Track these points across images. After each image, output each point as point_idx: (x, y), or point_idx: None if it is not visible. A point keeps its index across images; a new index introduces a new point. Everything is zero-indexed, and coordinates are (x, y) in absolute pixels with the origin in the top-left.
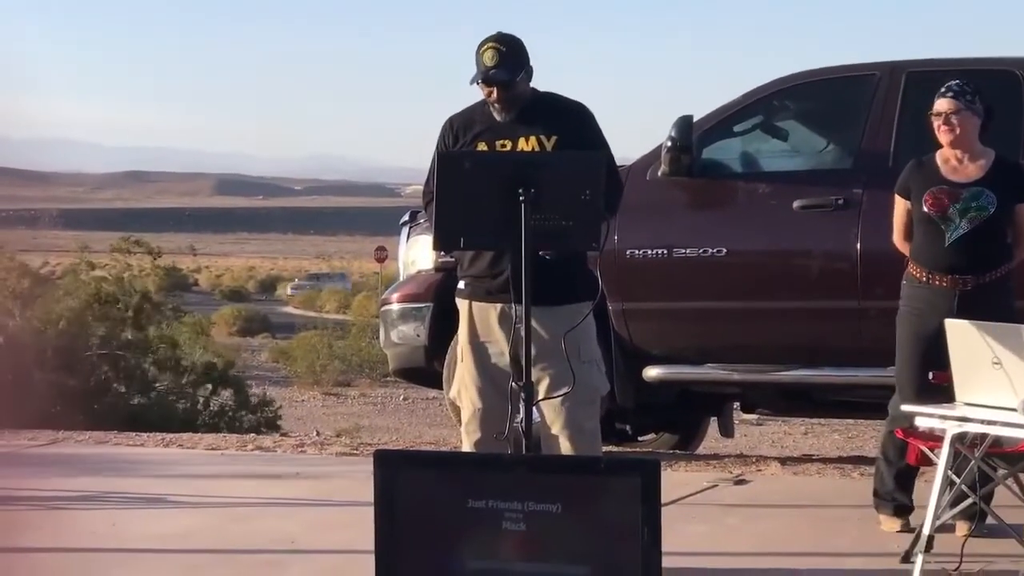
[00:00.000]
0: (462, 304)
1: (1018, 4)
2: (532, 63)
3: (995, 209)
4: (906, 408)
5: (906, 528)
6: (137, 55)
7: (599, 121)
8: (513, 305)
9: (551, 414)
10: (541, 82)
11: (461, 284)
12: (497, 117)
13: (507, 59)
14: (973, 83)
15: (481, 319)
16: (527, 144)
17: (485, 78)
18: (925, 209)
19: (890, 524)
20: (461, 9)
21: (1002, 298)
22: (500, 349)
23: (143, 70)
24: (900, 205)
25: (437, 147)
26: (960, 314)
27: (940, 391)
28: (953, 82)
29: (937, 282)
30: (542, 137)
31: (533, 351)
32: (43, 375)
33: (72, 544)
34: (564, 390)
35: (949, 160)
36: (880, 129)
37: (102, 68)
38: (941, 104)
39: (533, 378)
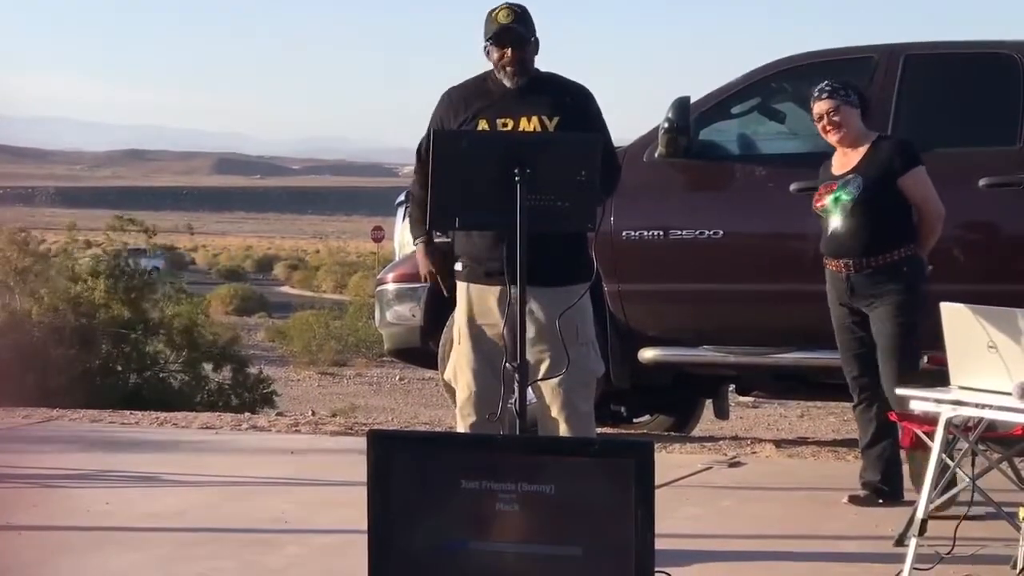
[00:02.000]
0: (460, 286)
1: None
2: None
3: (860, 193)
4: (900, 391)
5: (858, 502)
6: (137, 34)
7: (600, 103)
8: (508, 286)
9: (548, 396)
10: (541, 63)
11: (458, 266)
12: (507, 83)
13: (522, 19)
14: (841, 76)
15: (479, 301)
16: (528, 124)
17: (500, 33)
18: (816, 206)
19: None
20: None
21: (896, 279)
22: (498, 331)
23: (143, 49)
24: None
25: (433, 118)
26: (853, 297)
27: (866, 370)
28: (823, 83)
29: (828, 266)
30: (544, 118)
31: (531, 333)
32: (43, 353)
33: (66, 522)
34: (560, 372)
35: (839, 156)
36: (878, 112)
37: (102, 47)
38: (820, 107)
39: (531, 360)
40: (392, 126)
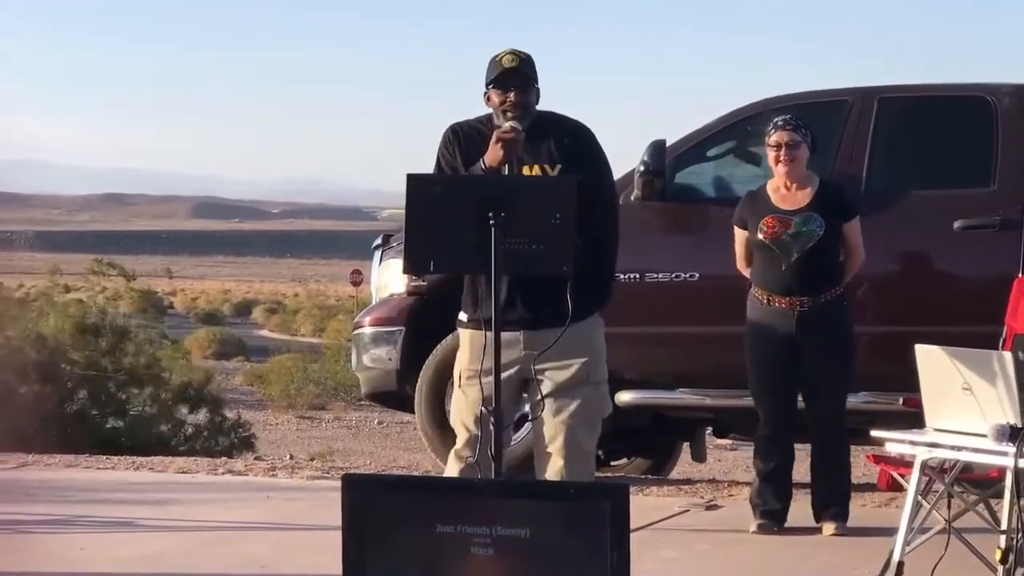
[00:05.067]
0: (464, 332)
1: (990, 31)
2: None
3: (824, 232)
4: (876, 433)
5: (768, 531)
6: (116, 77)
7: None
8: (490, 330)
9: (551, 431)
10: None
11: (463, 316)
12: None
13: (527, 64)
14: (802, 116)
15: (481, 346)
16: (531, 172)
17: (503, 76)
18: (761, 237)
19: (751, 526)
20: (438, 34)
21: (838, 315)
22: (506, 377)
23: (122, 93)
24: (738, 234)
25: (439, 155)
26: (800, 333)
27: (791, 405)
28: (787, 116)
29: (777, 303)
30: (546, 167)
31: (546, 372)
32: (18, 397)
33: (40, 568)
34: (571, 408)
35: (779, 189)
36: (852, 154)
37: (82, 90)
38: (781, 136)
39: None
40: (371, 170)
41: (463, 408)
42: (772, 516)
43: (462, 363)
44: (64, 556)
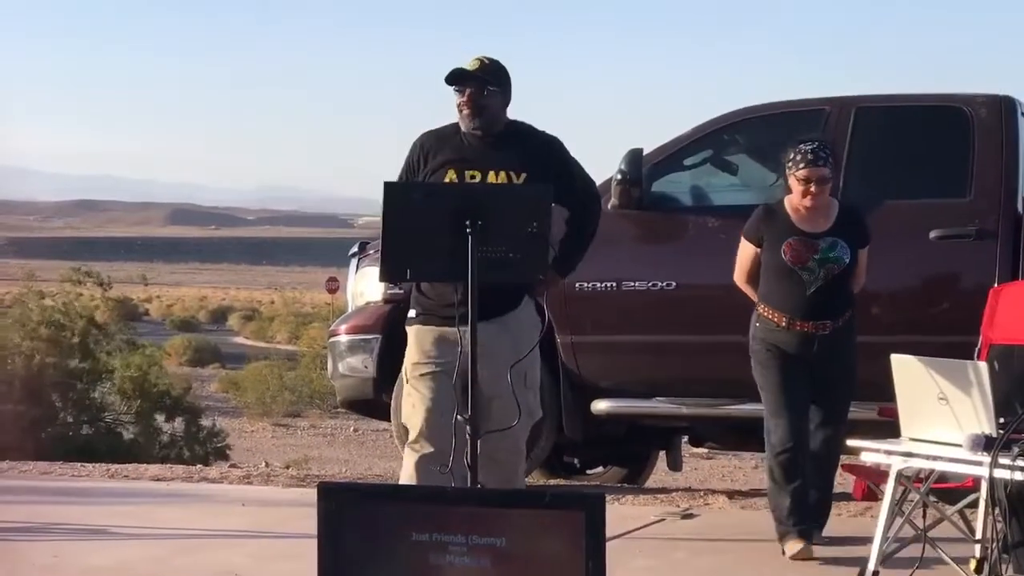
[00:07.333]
0: (412, 328)
1: (967, 42)
2: (511, 93)
3: (849, 259)
4: (852, 442)
5: (808, 553)
6: (90, 83)
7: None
8: (458, 330)
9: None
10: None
11: (412, 312)
12: (463, 126)
13: (486, 70)
14: (825, 142)
15: (434, 342)
16: (496, 179)
17: (457, 76)
18: (785, 259)
19: (792, 548)
20: (416, 41)
21: (852, 336)
22: (450, 372)
23: (97, 99)
24: (748, 249)
25: (406, 162)
26: (820, 354)
27: (807, 423)
28: (814, 146)
29: (798, 327)
30: (511, 173)
31: (484, 376)
32: None
33: (14, 575)
34: (511, 424)
35: (799, 210)
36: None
37: (56, 97)
38: (811, 172)
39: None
40: (347, 177)
41: (416, 402)
42: (808, 535)
43: (411, 358)
44: (37, 563)
